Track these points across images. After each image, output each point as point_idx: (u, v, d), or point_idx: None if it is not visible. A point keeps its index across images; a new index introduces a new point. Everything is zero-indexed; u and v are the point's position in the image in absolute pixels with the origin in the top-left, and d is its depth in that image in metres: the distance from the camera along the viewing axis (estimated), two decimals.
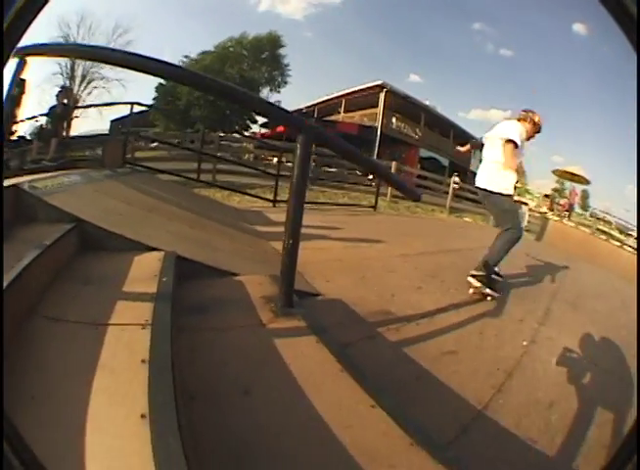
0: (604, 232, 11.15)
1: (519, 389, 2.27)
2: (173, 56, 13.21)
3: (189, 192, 6.36)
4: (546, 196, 15.96)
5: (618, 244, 10.48)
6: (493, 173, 3.60)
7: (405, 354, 2.33)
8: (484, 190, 3.68)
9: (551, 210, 13.30)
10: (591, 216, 12.35)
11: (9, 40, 0.62)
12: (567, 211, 9.91)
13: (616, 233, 11.10)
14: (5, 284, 1.18)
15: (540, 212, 12.25)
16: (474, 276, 3.55)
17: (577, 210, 9.72)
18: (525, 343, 2.89)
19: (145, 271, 1.92)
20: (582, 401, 2.33)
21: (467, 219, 10.54)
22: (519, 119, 3.73)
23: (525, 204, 14.91)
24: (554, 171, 13.34)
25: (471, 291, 3.58)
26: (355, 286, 3.19)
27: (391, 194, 9.53)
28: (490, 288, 3.55)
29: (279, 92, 14.98)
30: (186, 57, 13.35)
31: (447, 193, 10.86)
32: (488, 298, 3.54)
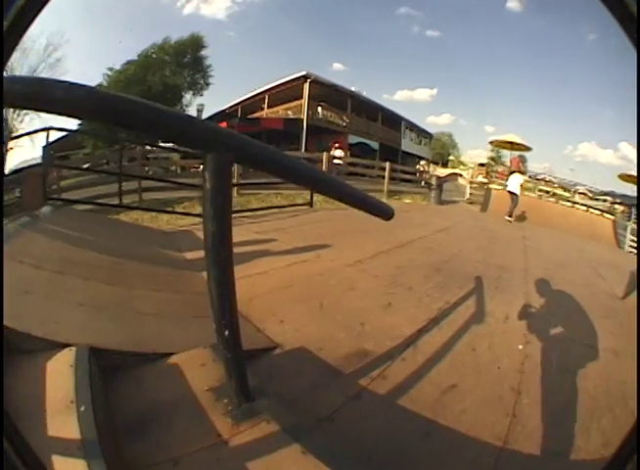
0: (547, 192, 11.40)
1: (531, 406, 2.02)
2: (101, 68, 12.35)
3: (113, 222, 5.47)
4: (481, 165, 16.21)
5: (569, 204, 10.70)
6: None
7: (403, 408, 1.83)
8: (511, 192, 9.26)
9: (488, 178, 13.46)
10: (530, 178, 12.61)
11: (9, 40, 0.60)
12: (507, 177, 9.99)
13: (560, 191, 11.40)
14: None
15: (480, 183, 12.33)
16: (509, 216, 9.12)
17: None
18: (520, 347, 2.64)
19: (57, 395, 1.21)
20: (592, 399, 2.14)
21: (407, 201, 10.28)
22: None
23: (461, 175, 15.08)
24: (491, 142, 13.33)
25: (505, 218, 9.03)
26: (315, 321, 2.59)
27: None
28: (510, 217, 9.19)
29: (202, 95, 14.49)
30: (110, 69, 12.43)
31: (383, 177, 10.51)
32: (509, 222, 8.96)
